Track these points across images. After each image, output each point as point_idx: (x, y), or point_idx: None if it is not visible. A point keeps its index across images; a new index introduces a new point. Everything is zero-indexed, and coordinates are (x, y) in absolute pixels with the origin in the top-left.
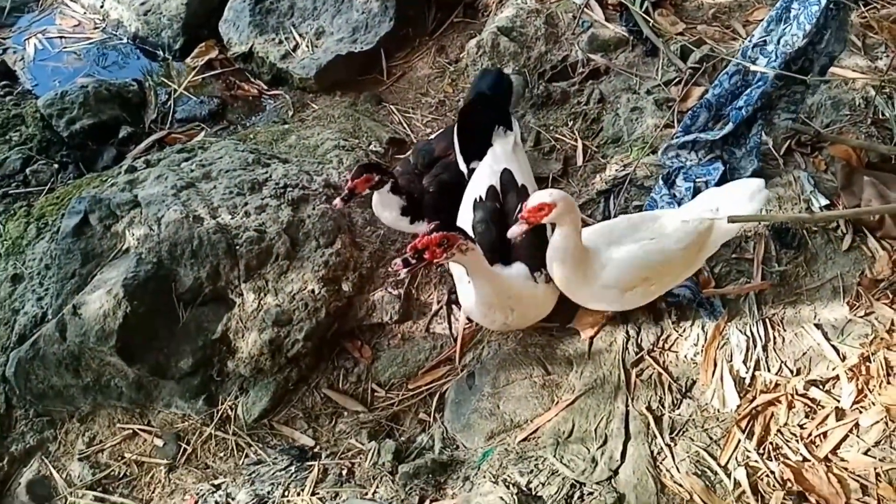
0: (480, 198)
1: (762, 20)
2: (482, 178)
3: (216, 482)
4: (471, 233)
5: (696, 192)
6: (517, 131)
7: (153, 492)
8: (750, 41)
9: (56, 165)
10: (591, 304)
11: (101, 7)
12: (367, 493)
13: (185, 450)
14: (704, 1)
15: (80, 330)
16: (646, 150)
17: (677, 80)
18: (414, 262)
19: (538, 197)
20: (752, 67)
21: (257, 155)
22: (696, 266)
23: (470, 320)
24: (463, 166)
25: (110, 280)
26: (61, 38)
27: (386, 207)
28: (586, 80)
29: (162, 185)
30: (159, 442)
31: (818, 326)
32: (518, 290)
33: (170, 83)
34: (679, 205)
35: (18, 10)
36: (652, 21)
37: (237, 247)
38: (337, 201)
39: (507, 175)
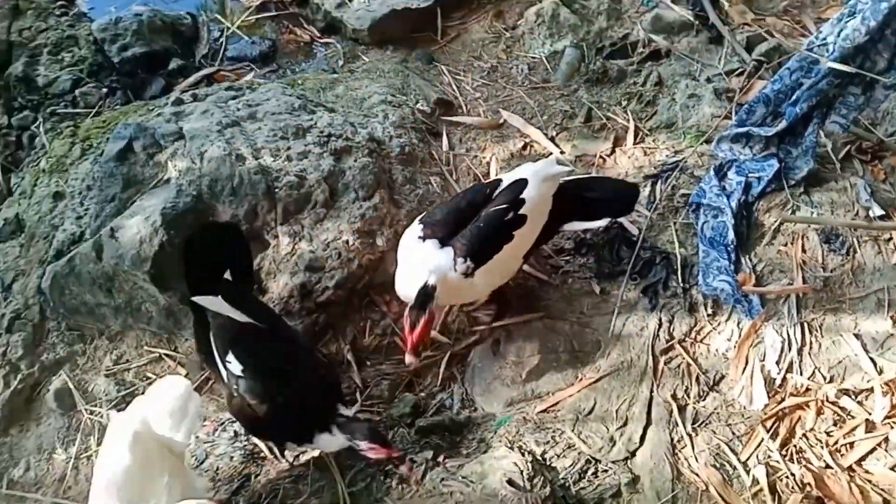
0: (483, 183)
1: (833, 17)
2: (510, 171)
3: None
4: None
5: (748, 186)
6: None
7: None
8: (816, 37)
9: (105, 90)
10: None
11: None
12: None
13: (207, 379)
14: None
15: (115, 252)
16: (700, 139)
17: (740, 71)
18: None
19: None
20: (826, 61)
21: (304, 101)
22: None
23: None
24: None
25: (149, 207)
26: None
27: None
28: (645, 60)
29: (207, 120)
30: (182, 371)
31: (857, 336)
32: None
33: (223, 20)
34: (728, 198)
35: None
36: (720, 7)
37: (276, 189)
38: None
39: (519, 184)
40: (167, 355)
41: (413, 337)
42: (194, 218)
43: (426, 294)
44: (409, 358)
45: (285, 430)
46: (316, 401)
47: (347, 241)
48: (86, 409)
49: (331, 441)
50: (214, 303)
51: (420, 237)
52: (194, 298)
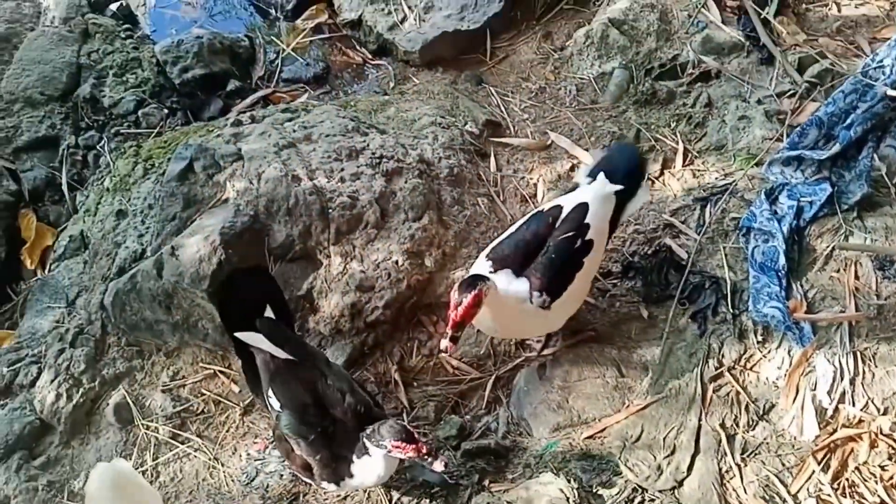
0: (543, 210)
1: (890, 39)
2: (561, 197)
3: None
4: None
5: (800, 211)
6: (629, 208)
7: (227, 431)
8: (872, 59)
9: (166, 110)
10: None
11: None
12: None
13: None
14: (829, 12)
15: (175, 270)
16: (751, 161)
17: (791, 92)
18: (459, 334)
19: None
20: (882, 85)
21: (357, 123)
22: None
23: None
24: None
25: (208, 227)
26: None
27: None
28: (695, 81)
29: (265, 141)
30: (235, 388)
31: None
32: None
33: (279, 42)
34: (779, 223)
35: None
36: (771, 28)
37: (330, 210)
38: None
39: (582, 208)
40: (221, 372)
41: (455, 315)
42: (251, 237)
43: (479, 276)
44: (444, 342)
45: (321, 468)
46: (350, 436)
47: (397, 262)
48: (142, 425)
49: (371, 464)
50: (255, 339)
51: (491, 271)
52: (236, 334)
